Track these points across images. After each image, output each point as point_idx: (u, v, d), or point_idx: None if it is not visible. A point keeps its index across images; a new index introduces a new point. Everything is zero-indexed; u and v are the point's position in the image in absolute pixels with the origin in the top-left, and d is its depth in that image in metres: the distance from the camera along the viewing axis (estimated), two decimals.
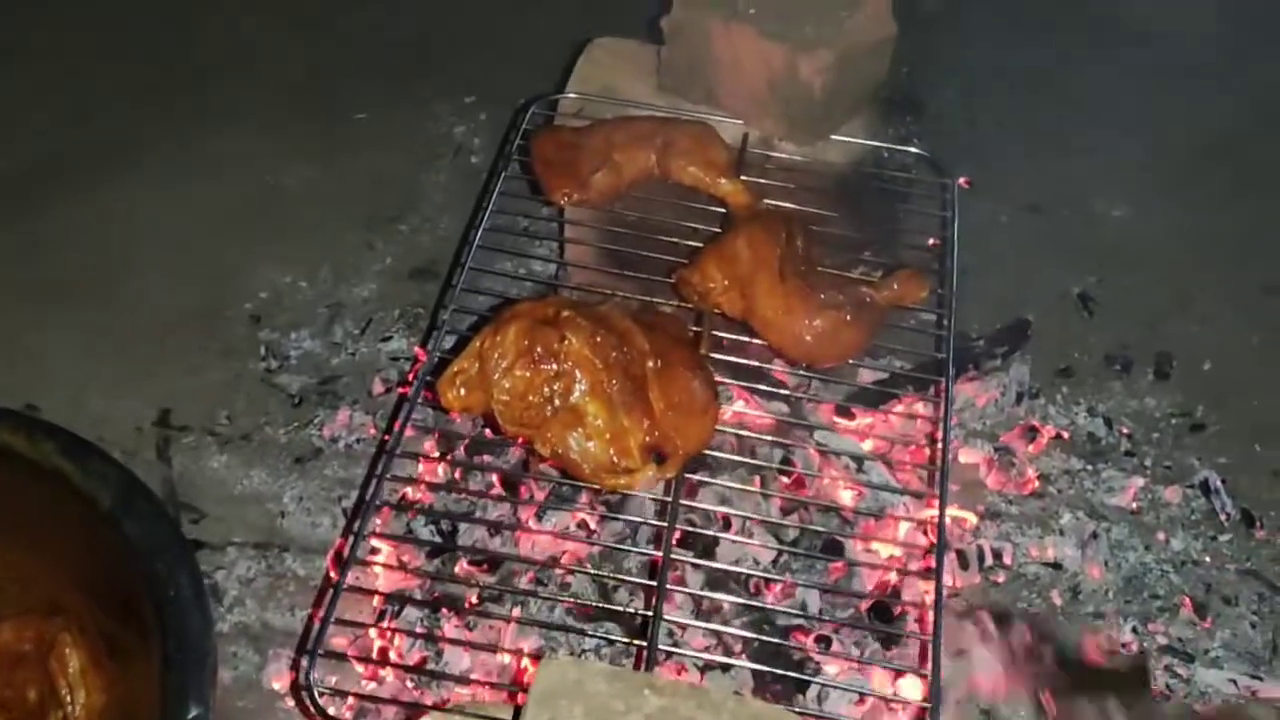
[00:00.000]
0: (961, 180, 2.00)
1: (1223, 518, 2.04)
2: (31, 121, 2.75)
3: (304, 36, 3.07)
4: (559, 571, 1.74)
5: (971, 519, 1.94)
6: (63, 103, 2.81)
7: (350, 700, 1.65)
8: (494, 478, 1.87)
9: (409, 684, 1.67)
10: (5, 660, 1.30)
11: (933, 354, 1.79)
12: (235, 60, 2.98)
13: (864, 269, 1.94)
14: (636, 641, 1.49)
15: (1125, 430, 2.17)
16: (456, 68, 2.99)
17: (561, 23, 2.82)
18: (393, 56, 3.03)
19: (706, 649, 1.67)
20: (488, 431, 1.89)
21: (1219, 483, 2.08)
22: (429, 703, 1.61)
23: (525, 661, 1.64)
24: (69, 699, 1.28)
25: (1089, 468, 2.08)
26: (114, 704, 1.28)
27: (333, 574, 1.83)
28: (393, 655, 1.71)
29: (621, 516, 1.74)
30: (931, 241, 2.00)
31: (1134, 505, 2.04)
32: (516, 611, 1.70)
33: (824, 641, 1.68)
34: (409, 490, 1.90)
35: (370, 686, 1.70)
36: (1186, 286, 2.49)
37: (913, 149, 2.09)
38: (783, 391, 1.88)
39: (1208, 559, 1.97)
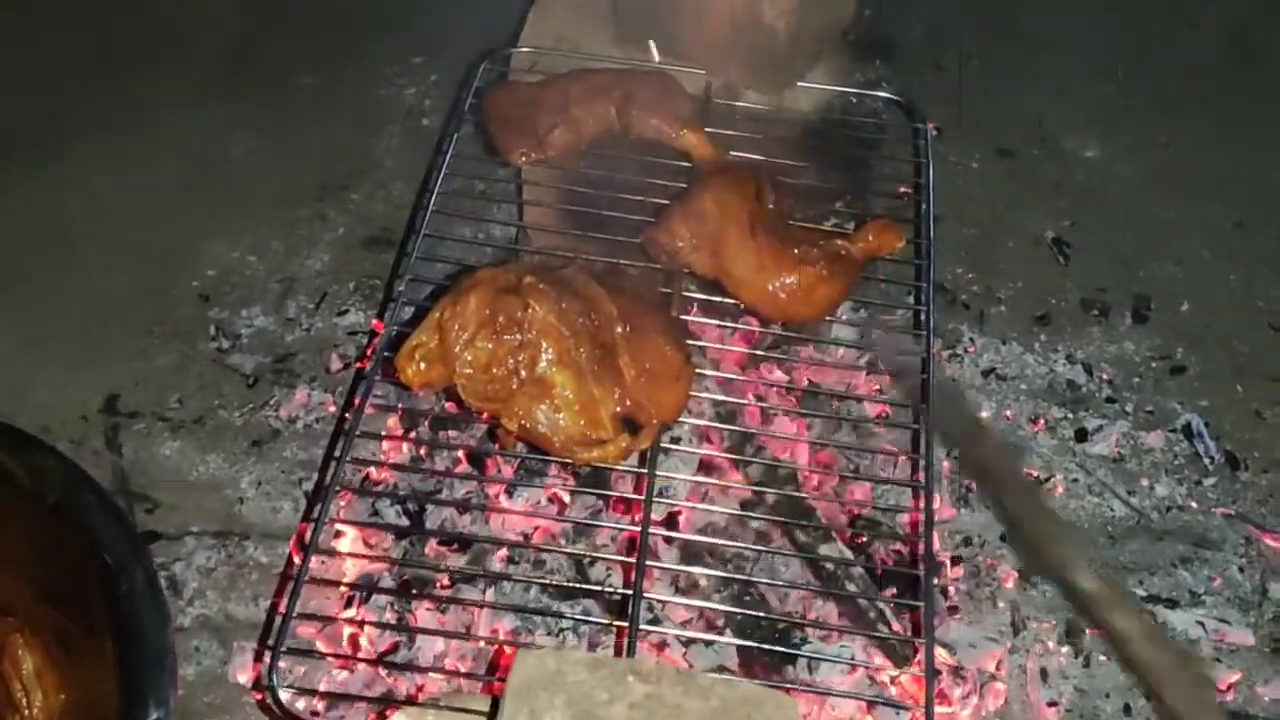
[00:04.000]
0: (931, 126, 1.93)
1: (1206, 461, 2.00)
2: None
3: (247, 3, 2.94)
4: (532, 550, 1.67)
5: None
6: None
7: (320, 692, 1.58)
8: (460, 454, 1.80)
9: (382, 673, 1.60)
10: None
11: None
12: (178, 31, 2.85)
13: (837, 221, 1.88)
14: (617, 622, 1.43)
15: (1106, 376, 2.12)
16: (404, 28, 2.88)
17: None
18: (338, 19, 2.91)
19: (688, 623, 1.61)
20: (451, 406, 1.81)
21: (1202, 426, 2.04)
22: (402, 690, 1.55)
23: (501, 645, 1.58)
24: (25, 702, 1.25)
25: (1070, 416, 2.04)
26: (73, 704, 1.24)
27: (297, 560, 1.75)
28: (363, 643, 1.64)
29: (595, 491, 1.67)
30: (902, 189, 1.93)
31: (1117, 452, 1.99)
32: (490, 593, 1.63)
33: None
34: (373, 471, 1.82)
35: (341, 676, 1.63)
36: (1161, 226, 2.44)
37: (882, 93, 2.01)
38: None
39: (1193, 504, 1.94)
